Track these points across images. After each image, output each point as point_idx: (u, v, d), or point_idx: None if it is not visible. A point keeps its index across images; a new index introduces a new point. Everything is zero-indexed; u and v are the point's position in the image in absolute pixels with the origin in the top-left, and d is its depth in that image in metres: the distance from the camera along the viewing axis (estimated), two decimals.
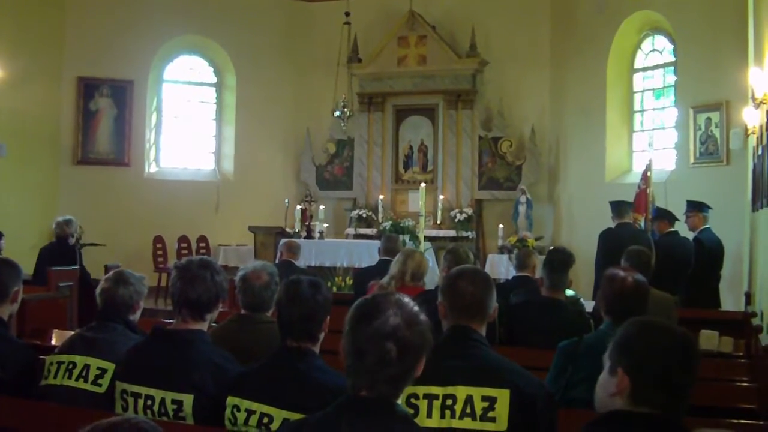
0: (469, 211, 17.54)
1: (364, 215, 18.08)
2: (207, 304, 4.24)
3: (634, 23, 15.60)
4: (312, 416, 2.95)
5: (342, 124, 17.50)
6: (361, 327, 2.83)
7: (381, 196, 17.82)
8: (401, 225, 15.88)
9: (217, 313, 4.42)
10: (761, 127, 9.81)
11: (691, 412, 4.35)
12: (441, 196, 17.44)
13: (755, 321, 8.74)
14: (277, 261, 11.17)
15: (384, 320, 2.81)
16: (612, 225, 10.58)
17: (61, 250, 11.48)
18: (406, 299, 2.93)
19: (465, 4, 18.06)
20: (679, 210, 11.18)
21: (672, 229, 10.90)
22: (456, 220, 17.44)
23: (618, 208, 10.61)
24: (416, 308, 2.90)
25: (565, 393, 4.59)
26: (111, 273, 4.93)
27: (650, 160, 12.17)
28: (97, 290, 4.86)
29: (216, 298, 4.28)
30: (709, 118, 13.16)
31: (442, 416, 3.57)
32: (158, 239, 17.29)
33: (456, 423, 3.56)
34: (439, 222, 17.26)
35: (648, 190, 11.75)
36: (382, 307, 2.85)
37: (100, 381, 4.39)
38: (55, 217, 12.45)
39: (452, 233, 17.27)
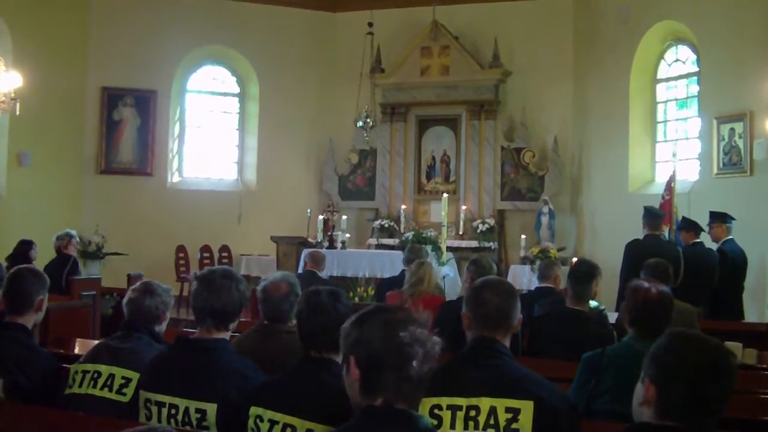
0: (492, 221, 17.49)
1: (387, 225, 18.06)
2: (231, 313, 4.27)
3: (658, 33, 15.56)
4: (336, 429, 2.97)
5: (365, 135, 17.52)
6: (381, 338, 2.86)
7: (403, 207, 17.78)
8: (423, 235, 15.83)
9: (238, 321, 4.44)
10: None
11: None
12: (463, 207, 17.43)
13: None
14: (300, 271, 11.18)
15: (408, 327, 2.86)
16: (636, 235, 10.54)
17: (60, 264, 11.60)
18: (416, 317, 2.96)
19: (488, 14, 18.04)
20: (702, 221, 11.14)
21: (697, 240, 10.85)
22: (478, 230, 17.39)
23: (652, 219, 10.51)
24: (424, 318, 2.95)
25: (589, 404, 4.58)
26: (138, 284, 4.96)
27: (674, 171, 12.14)
28: (124, 300, 4.90)
29: (240, 307, 4.31)
30: (732, 129, 13.10)
31: (466, 427, 3.57)
32: (181, 249, 17.32)
33: None
34: (461, 232, 17.25)
35: (672, 201, 11.72)
36: (400, 319, 2.91)
37: (124, 390, 4.41)
38: (78, 226, 12.56)
39: (474, 244, 17.22)
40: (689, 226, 11.01)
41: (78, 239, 12.48)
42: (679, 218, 11.55)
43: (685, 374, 2.84)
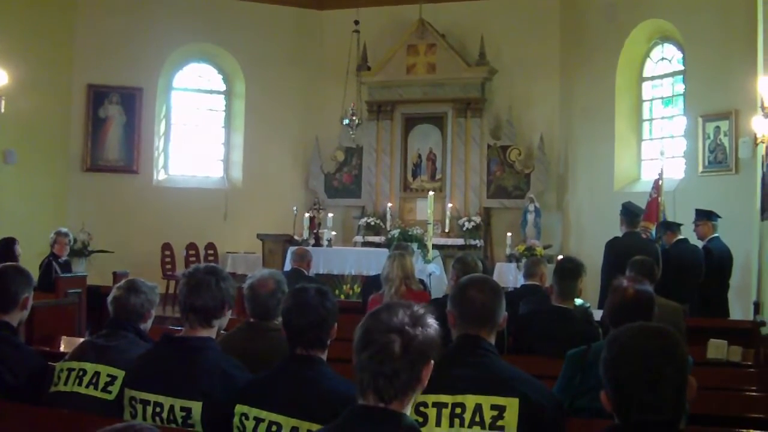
0: (478, 219, 17.49)
1: (373, 223, 18.03)
2: (213, 310, 4.25)
3: (644, 32, 15.58)
4: (320, 430, 2.99)
5: (351, 132, 17.53)
6: (369, 321, 2.90)
7: (389, 204, 17.81)
8: (409, 233, 15.87)
9: (227, 320, 4.43)
10: None
11: (700, 421, 4.35)
12: (449, 205, 17.44)
13: (764, 330, 8.73)
14: (286, 269, 11.14)
15: (391, 315, 2.87)
16: (619, 233, 10.57)
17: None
18: (417, 306, 2.96)
19: (474, 12, 18.05)
20: (687, 219, 11.17)
21: (681, 237, 10.89)
22: (464, 228, 17.39)
23: (631, 217, 10.56)
24: (426, 313, 2.96)
25: (573, 402, 4.59)
26: (123, 281, 4.95)
27: (662, 169, 12.17)
28: (109, 298, 4.88)
29: (222, 304, 4.28)
30: (718, 127, 13.12)
31: (451, 425, 3.57)
32: (167, 246, 17.27)
33: (465, 431, 3.56)
34: (447, 230, 17.25)
35: (659, 199, 11.76)
36: (393, 307, 2.92)
37: (110, 388, 4.40)
38: (64, 223, 12.58)
39: (460, 241, 17.22)
40: (667, 227, 11.09)
41: (70, 238, 12.53)
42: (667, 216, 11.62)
43: (611, 376, 2.85)
